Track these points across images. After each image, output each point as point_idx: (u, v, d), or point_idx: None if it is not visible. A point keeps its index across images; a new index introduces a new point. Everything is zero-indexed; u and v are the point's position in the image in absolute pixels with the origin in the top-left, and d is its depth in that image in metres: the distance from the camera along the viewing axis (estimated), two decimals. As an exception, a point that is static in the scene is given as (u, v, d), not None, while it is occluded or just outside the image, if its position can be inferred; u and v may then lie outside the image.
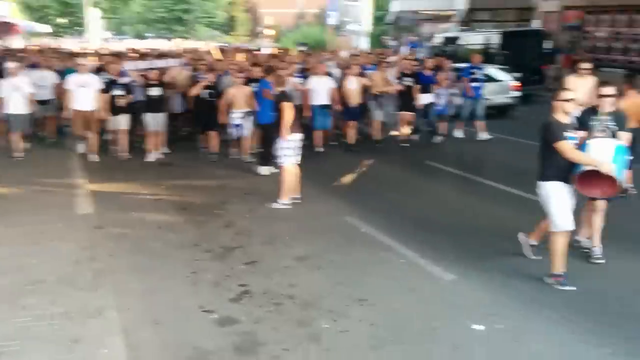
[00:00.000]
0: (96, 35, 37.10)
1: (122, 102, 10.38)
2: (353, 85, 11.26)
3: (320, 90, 10.98)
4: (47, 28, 41.81)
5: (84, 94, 10.26)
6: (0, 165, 10.01)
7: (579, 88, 7.99)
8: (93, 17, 37.03)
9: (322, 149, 11.21)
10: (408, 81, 11.73)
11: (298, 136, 7.91)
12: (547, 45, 20.05)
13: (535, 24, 23.92)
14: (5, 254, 6.13)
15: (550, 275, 5.39)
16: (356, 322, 4.82)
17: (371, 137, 12.01)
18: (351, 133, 11.49)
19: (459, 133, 12.81)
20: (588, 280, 5.52)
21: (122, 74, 10.78)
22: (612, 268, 5.84)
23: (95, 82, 10.41)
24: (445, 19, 34.33)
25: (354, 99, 11.24)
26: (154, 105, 10.50)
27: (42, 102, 11.19)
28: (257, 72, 10.16)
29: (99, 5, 45.03)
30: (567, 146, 5.17)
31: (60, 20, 47.24)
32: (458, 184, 9.32)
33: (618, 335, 4.53)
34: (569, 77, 8.78)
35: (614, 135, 5.63)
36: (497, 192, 8.65)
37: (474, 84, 12.42)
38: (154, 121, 10.52)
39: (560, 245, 5.33)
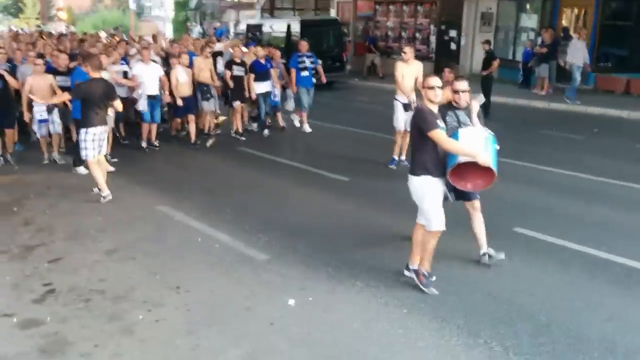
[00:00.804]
0: None
1: None
2: (183, 76, 10.45)
3: (148, 79, 10.09)
4: None
5: None
6: None
7: (407, 74, 8.70)
8: None
9: (146, 144, 10.37)
10: (239, 70, 11.29)
11: (99, 129, 7.46)
12: (345, 33, 21.38)
13: (333, 13, 25.29)
14: None
15: (413, 271, 5.17)
16: (172, 310, 4.81)
17: (203, 130, 11.35)
18: (192, 127, 10.68)
19: (300, 124, 12.33)
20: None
21: None
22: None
23: None
24: (248, 6, 34.69)
25: (186, 91, 10.50)
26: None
27: None
28: (63, 59, 9.41)
29: None
30: (443, 135, 4.81)
31: None
32: (268, 169, 9.57)
33: (416, 296, 5.09)
34: (397, 63, 9.05)
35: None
36: (307, 173, 9.09)
37: (304, 74, 11.95)
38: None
39: (432, 244, 5.04)
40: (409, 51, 8.84)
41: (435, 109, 4.97)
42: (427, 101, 4.96)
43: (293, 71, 11.93)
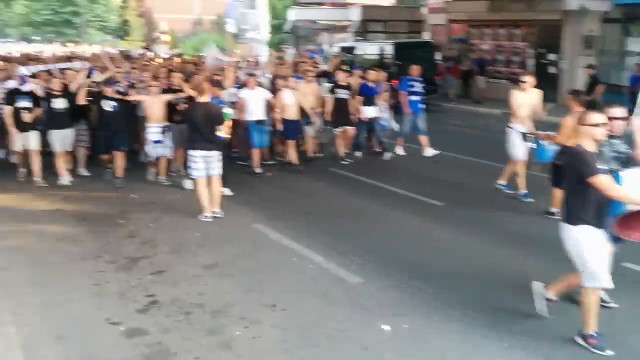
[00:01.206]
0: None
1: (28, 117, 8.91)
2: (290, 99, 10.22)
3: (254, 104, 9.99)
4: None
5: None
6: None
7: (524, 102, 8.24)
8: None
9: (260, 170, 10.15)
10: (343, 93, 10.88)
11: (203, 153, 7.51)
12: (438, 56, 21.17)
13: (426, 36, 25.17)
14: None
15: (583, 337, 4.53)
16: (268, 328, 4.88)
17: (306, 154, 11.05)
18: (292, 152, 10.43)
19: (400, 150, 11.92)
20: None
21: (21, 79, 9.29)
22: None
23: None
24: (341, 29, 35.20)
25: (292, 114, 10.24)
26: (60, 120, 9.04)
27: None
28: (177, 79, 9.63)
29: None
30: (607, 182, 4.23)
31: None
32: (363, 192, 9.53)
33: (513, 328, 4.89)
34: (513, 91, 8.49)
35: (627, 163, 4.84)
36: (401, 197, 9.01)
37: (413, 98, 11.56)
38: (61, 139, 9.12)
39: (594, 301, 4.47)
40: (529, 80, 8.38)
41: (594, 148, 4.39)
42: (587, 140, 4.35)
43: (404, 94, 11.57)
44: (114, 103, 8.89)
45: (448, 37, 24.33)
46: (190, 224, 7.48)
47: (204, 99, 7.71)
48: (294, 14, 37.60)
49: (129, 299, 5.37)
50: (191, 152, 7.55)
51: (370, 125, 11.36)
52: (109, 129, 8.98)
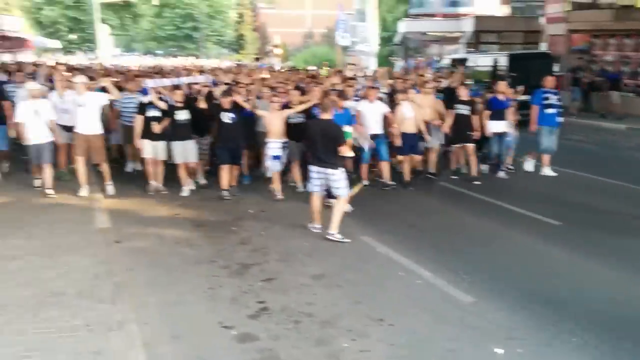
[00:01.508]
0: (106, 51, 37.44)
1: (158, 127, 9.11)
2: (409, 112, 9.92)
3: (371, 117, 9.63)
4: (58, 44, 42.31)
5: (85, 114, 8.91)
6: (19, 183, 9.71)
7: None
8: (102, 33, 37.42)
9: (393, 183, 9.84)
10: (463, 109, 10.39)
11: (320, 169, 7.38)
12: (556, 68, 20.20)
13: (543, 47, 24.13)
14: (25, 267, 6.17)
15: None
16: (375, 342, 4.83)
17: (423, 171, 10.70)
18: (406, 167, 10.06)
19: (529, 165, 11.28)
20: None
21: (143, 92, 9.68)
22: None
23: (96, 101, 9.07)
24: (452, 40, 34.62)
25: (410, 128, 9.92)
26: (182, 131, 9.19)
27: (67, 129, 9.54)
28: (295, 95, 9.54)
29: (108, 22, 45.60)
30: None
31: (71, 36, 47.72)
32: (475, 208, 9.25)
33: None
34: None
35: None
36: (514, 214, 8.66)
37: (549, 111, 10.87)
38: (182, 151, 9.27)
39: None
40: None
41: None
42: None
43: (536, 108, 10.91)
44: (232, 115, 8.98)
45: (568, 48, 23.14)
46: (297, 233, 7.61)
47: (326, 116, 7.49)
48: (404, 26, 37.48)
49: (241, 304, 5.53)
50: (310, 167, 7.63)
51: (499, 139, 10.71)
52: (228, 142, 9.06)
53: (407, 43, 37.50)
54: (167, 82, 9.55)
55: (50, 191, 8.89)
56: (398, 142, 9.79)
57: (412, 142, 10.02)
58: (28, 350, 4.52)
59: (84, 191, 9.01)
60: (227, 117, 8.97)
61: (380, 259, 6.74)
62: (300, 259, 6.70)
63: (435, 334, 4.98)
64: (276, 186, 9.24)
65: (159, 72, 14.44)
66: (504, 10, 36.09)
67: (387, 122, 9.81)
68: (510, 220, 8.30)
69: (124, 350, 4.61)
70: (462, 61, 20.89)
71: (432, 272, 6.25)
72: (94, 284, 5.80)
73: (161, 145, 9.25)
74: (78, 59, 34.38)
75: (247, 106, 9.35)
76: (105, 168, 9.28)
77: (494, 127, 10.59)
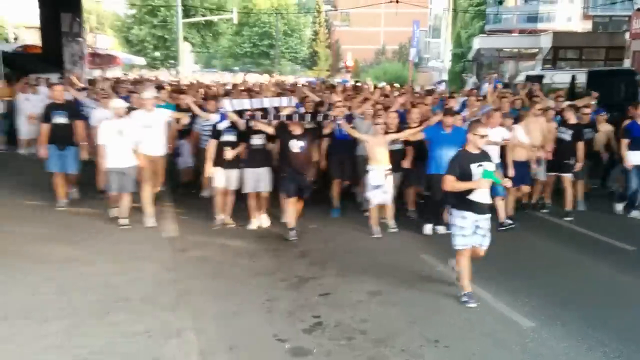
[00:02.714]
0: (187, 68, 38.95)
1: (230, 154, 8.03)
2: (524, 137, 8.74)
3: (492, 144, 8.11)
4: (143, 60, 44.45)
5: (152, 133, 8.40)
6: (91, 216, 8.59)
7: None
8: (184, 50, 38.97)
9: (510, 222, 8.51)
10: (565, 133, 9.19)
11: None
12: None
13: (627, 64, 23.09)
14: (96, 272, 6.49)
15: None
16: (429, 364, 4.75)
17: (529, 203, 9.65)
18: (511, 201, 8.82)
19: None
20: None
21: (221, 117, 8.17)
22: None
23: (162, 120, 8.54)
24: (528, 56, 33.76)
25: (522, 155, 8.75)
26: (257, 157, 8.15)
27: None
28: (392, 118, 8.45)
29: (190, 40, 47.48)
30: None
31: (155, 53, 50.05)
32: (543, 229, 8.94)
33: None
34: None
35: None
36: (584, 237, 8.30)
37: None
38: (255, 179, 8.15)
39: None
40: None
41: None
42: None
43: (626, 142, 9.21)
44: (302, 144, 7.79)
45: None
46: (357, 249, 7.61)
47: (471, 147, 6.23)
48: (478, 42, 36.91)
49: (297, 317, 5.57)
50: (456, 212, 6.02)
51: (638, 173, 9.16)
52: (296, 173, 7.84)
53: (480, 59, 36.88)
54: (247, 103, 8.28)
55: (124, 221, 8.13)
56: (512, 172, 8.44)
57: (523, 172, 8.75)
58: (91, 353, 4.74)
59: (150, 221, 8.24)
60: (297, 146, 7.77)
61: (440, 279, 6.62)
62: (358, 275, 6.69)
63: (492, 359, 4.84)
64: (374, 222, 8.19)
65: (246, 90, 12.73)
66: (585, 26, 34.89)
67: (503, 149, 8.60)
68: (580, 243, 7.97)
69: (180, 358, 4.76)
70: (537, 78, 20.32)
71: (493, 294, 6.09)
72: (157, 290, 6.03)
73: (234, 173, 8.18)
74: (162, 75, 35.90)
75: (357, 135, 8.35)
76: (147, 191, 8.32)
77: (635, 158, 9.08)
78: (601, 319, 5.57)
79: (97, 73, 28.84)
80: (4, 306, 5.52)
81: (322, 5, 64.46)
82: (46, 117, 8.95)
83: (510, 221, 8.42)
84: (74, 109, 9.48)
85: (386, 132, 8.15)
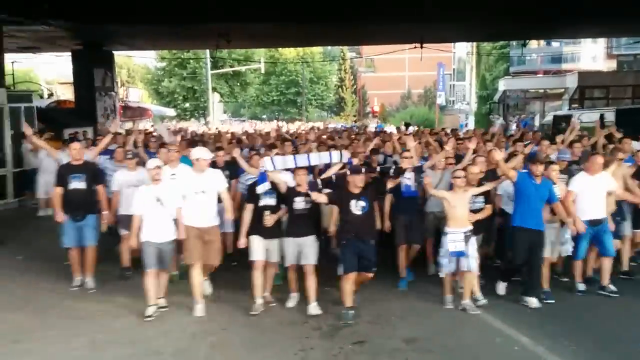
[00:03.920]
0: (216, 117, 39.74)
1: (271, 219, 6.84)
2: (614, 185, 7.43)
3: (594, 195, 7.19)
4: (172, 112, 45.60)
5: (203, 202, 6.86)
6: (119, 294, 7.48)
7: None
8: (213, 101, 39.83)
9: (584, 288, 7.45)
10: None
11: None
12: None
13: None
14: (131, 325, 6.53)
15: None
16: (469, 413, 4.64)
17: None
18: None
19: None
20: None
21: (261, 178, 6.90)
22: None
23: (219, 182, 7.04)
24: (555, 97, 33.67)
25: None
26: (300, 224, 6.88)
27: None
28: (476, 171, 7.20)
29: (219, 90, 48.64)
30: None
31: (185, 104, 51.32)
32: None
33: None
34: None
35: None
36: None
37: None
38: (297, 250, 6.89)
39: None
40: None
41: None
42: None
43: None
44: (364, 204, 6.63)
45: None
46: (391, 296, 7.51)
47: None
48: (503, 84, 37.03)
49: (331, 366, 5.52)
50: None
51: None
52: (357, 241, 6.61)
53: (506, 101, 36.91)
54: (291, 161, 7.04)
55: (162, 301, 6.86)
56: (581, 227, 7.00)
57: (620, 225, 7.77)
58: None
59: (199, 311, 6.76)
60: (357, 207, 6.63)
61: (476, 323, 6.50)
62: (391, 322, 6.61)
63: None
64: (447, 290, 7.02)
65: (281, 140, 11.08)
66: (610, 65, 34.80)
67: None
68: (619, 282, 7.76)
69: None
70: (565, 118, 20.23)
71: (530, 338, 5.96)
72: (190, 344, 6.02)
73: (275, 244, 7.00)
74: (191, 125, 36.64)
75: (434, 192, 7.21)
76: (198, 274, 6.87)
77: None
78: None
79: (128, 125, 29.64)
80: None
81: (347, 53, 65.58)
82: (60, 180, 7.67)
83: (613, 288, 7.25)
84: (94, 172, 8.00)
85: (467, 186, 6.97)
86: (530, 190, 6.85)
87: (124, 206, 7.81)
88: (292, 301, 7.12)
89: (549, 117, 22.77)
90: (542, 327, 6.28)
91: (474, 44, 43.67)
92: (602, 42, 40.95)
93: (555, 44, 42.66)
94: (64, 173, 7.72)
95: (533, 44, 40.74)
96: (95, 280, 7.79)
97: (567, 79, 31.68)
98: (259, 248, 6.90)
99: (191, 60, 46.57)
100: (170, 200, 6.75)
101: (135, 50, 27.71)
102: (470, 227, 6.86)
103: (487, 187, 7.24)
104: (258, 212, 6.87)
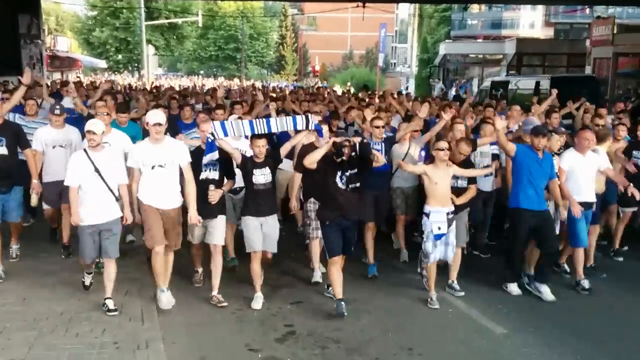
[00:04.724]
0: (151, 71, 38.38)
1: (215, 194, 5.78)
2: (605, 163, 6.81)
3: (587, 175, 6.52)
4: (104, 63, 43.62)
5: (163, 178, 5.63)
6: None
7: None
8: (148, 54, 38.39)
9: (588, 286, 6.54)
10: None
11: None
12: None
13: (588, 71, 23.68)
14: (61, 281, 6.25)
15: None
16: (404, 372, 4.71)
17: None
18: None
19: None
20: None
21: (209, 147, 5.69)
22: None
23: (181, 154, 5.71)
24: (493, 62, 34.33)
25: (601, 187, 6.99)
26: (260, 201, 5.82)
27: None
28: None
29: (154, 43, 46.83)
30: None
31: (118, 56, 49.17)
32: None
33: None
34: None
35: None
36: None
37: None
38: (261, 234, 5.86)
39: None
40: None
41: None
42: None
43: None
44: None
45: (614, 72, 22.64)
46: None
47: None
48: (444, 48, 37.39)
49: (269, 326, 5.48)
50: None
51: None
52: (343, 218, 5.67)
53: (446, 65, 37.37)
54: (246, 126, 5.76)
55: (111, 302, 5.59)
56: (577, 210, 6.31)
57: (596, 209, 6.97)
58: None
59: (166, 302, 5.71)
60: (341, 180, 5.59)
61: (413, 285, 6.58)
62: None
63: (466, 365, 4.83)
64: (432, 285, 6.12)
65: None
66: (547, 33, 35.70)
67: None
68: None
69: (149, 370, 4.60)
70: (503, 84, 20.65)
71: (464, 302, 6.09)
72: (125, 301, 5.81)
73: (221, 222, 5.99)
74: (125, 78, 35.25)
75: (412, 168, 6.33)
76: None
77: None
78: (574, 324, 5.62)
79: (57, 76, 28.20)
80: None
81: (289, 9, 64.45)
82: None
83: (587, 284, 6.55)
84: (17, 133, 6.53)
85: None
86: (534, 166, 6.10)
87: (50, 171, 6.64)
88: (257, 302, 5.91)
89: (487, 83, 23.19)
90: (478, 292, 6.38)
91: (417, 5, 43.74)
92: (540, 9, 41.87)
93: (495, 9, 43.29)
94: None
95: (474, 8, 41.26)
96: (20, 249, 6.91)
97: (505, 45, 32.31)
98: (198, 229, 5.98)
99: (124, 10, 44.51)
100: (112, 173, 5.57)
101: (64, -5, 26.14)
102: (452, 208, 6.03)
103: (475, 172, 6.48)
104: (199, 187, 5.73)
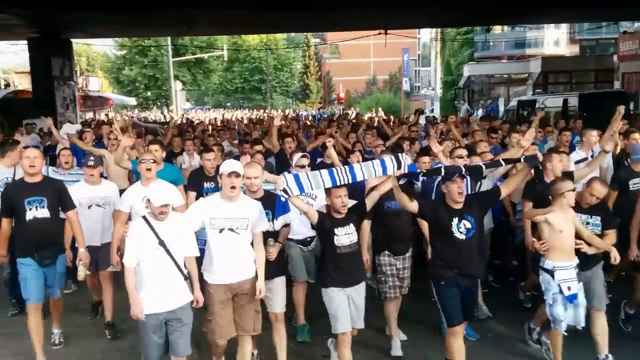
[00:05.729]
0: (178, 106, 39.07)
1: (275, 250, 4.78)
2: None
3: None
4: (134, 101, 44.68)
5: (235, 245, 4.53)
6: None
7: None
8: (176, 89, 39.11)
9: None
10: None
11: None
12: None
13: (617, 86, 23.34)
14: None
15: None
16: None
17: None
18: None
19: None
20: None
21: (281, 207, 4.79)
22: None
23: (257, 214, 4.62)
24: (519, 82, 34.11)
25: None
26: (346, 267, 4.71)
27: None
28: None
29: (181, 78, 47.80)
30: None
31: (147, 93, 50.33)
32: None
33: None
34: None
35: None
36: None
37: None
38: (345, 306, 4.72)
39: None
40: None
41: None
42: None
43: None
44: (470, 223, 4.60)
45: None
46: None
47: None
48: (468, 70, 37.36)
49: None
50: None
51: None
52: (462, 276, 4.66)
53: (471, 86, 37.27)
54: (327, 178, 4.60)
55: None
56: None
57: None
58: None
59: None
60: (461, 229, 4.58)
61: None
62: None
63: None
64: (558, 356, 5.01)
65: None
66: (573, 50, 35.42)
67: None
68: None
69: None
70: (530, 103, 20.48)
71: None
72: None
73: (281, 284, 5.05)
74: (153, 114, 35.94)
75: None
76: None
77: None
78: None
79: (89, 115, 28.89)
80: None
81: (311, 39, 65.23)
82: (8, 208, 5.27)
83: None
84: (61, 190, 5.41)
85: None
86: None
87: (86, 236, 5.51)
88: None
89: (513, 103, 23.01)
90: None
91: (438, 29, 43.87)
92: (564, 27, 41.61)
93: (518, 29, 43.18)
94: (15, 195, 5.22)
95: (497, 29, 41.20)
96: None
97: (530, 64, 32.10)
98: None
99: (152, 48, 45.59)
100: (180, 245, 4.36)
101: (94, 38, 26.85)
102: (577, 260, 4.90)
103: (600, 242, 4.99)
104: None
